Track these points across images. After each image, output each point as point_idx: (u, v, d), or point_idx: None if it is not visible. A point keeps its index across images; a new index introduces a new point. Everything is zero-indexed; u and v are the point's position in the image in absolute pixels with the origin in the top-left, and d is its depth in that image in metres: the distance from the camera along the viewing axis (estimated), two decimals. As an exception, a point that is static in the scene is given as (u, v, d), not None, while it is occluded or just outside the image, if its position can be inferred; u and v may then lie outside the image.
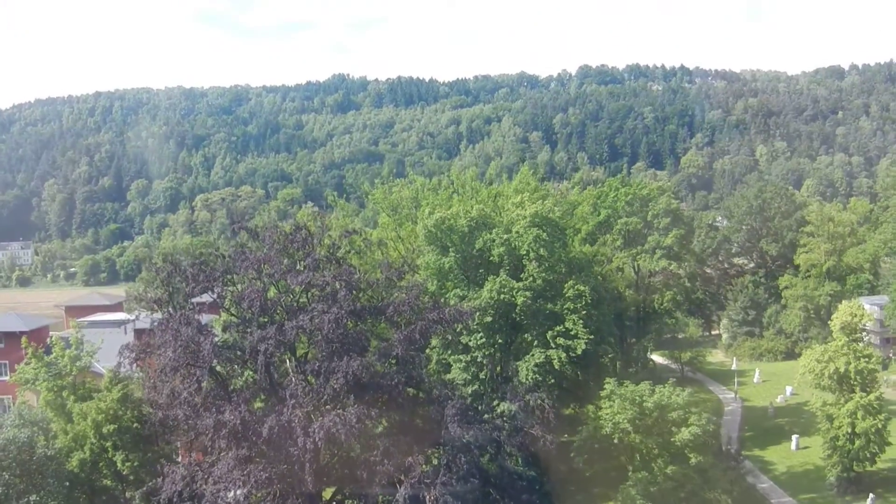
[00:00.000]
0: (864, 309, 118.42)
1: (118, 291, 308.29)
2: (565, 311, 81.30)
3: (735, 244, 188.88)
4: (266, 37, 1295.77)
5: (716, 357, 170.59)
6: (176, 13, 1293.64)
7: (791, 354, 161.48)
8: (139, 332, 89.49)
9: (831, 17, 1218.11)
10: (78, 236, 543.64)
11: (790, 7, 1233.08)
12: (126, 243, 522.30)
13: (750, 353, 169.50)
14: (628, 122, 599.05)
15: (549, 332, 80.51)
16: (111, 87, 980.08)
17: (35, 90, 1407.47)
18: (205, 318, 68.79)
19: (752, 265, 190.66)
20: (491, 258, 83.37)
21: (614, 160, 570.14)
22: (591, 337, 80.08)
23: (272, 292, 61.53)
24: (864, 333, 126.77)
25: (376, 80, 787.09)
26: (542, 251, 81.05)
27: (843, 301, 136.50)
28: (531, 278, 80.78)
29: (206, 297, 63.44)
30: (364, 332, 60.67)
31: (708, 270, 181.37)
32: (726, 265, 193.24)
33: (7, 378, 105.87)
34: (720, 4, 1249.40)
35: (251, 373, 59.97)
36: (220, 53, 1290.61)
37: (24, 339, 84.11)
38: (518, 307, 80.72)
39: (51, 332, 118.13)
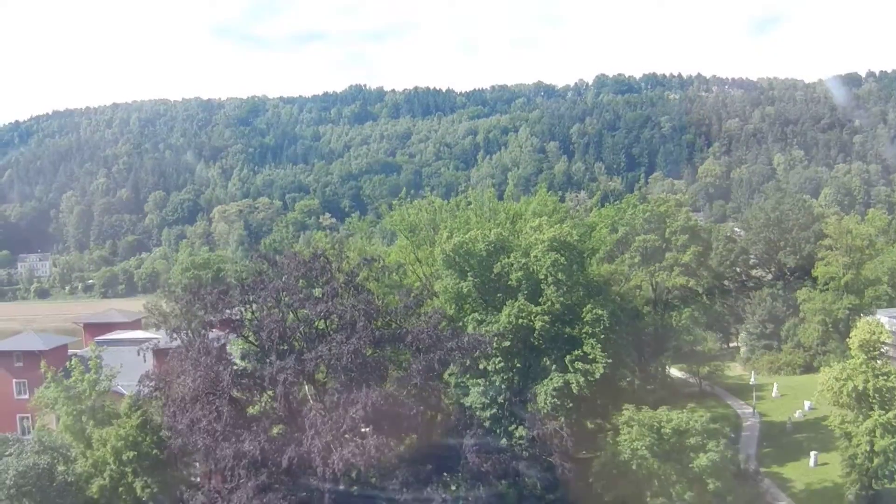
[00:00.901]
0: (883, 326, 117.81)
1: (136, 305, 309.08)
2: (583, 335, 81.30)
3: (753, 256, 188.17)
4: (281, 48, 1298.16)
5: (734, 370, 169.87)
6: (191, 25, 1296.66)
7: (809, 368, 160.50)
8: (158, 353, 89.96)
9: (848, 23, 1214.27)
10: (96, 248, 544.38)
11: (806, 14, 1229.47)
12: (144, 255, 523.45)
13: (768, 366, 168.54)
14: (645, 131, 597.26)
15: (568, 357, 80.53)
16: (128, 98, 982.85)
17: (53, 102, 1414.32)
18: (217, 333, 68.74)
19: (770, 277, 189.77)
20: (509, 282, 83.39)
21: (631, 170, 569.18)
22: (610, 361, 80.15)
23: (291, 318, 61.73)
24: (884, 347, 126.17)
25: (393, 90, 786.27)
26: (560, 275, 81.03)
27: (862, 315, 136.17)
28: (549, 302, 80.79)
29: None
30: (383, 360, 60.87)
31: (726, 283, 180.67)
32: (744, 277, 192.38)
33: (26, 397, 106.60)
34: (736, 12, 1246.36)
35: (270, 399, 60.21)
36: (236, 65, 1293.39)
37: (42, 363, 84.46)
38: (536, 331, 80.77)
39: (70, 350, 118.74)
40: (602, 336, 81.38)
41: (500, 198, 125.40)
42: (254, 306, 62.84)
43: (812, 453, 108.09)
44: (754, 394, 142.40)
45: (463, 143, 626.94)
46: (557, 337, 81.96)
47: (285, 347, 58.65)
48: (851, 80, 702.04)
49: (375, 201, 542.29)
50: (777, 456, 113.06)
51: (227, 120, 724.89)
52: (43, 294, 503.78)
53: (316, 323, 60.46)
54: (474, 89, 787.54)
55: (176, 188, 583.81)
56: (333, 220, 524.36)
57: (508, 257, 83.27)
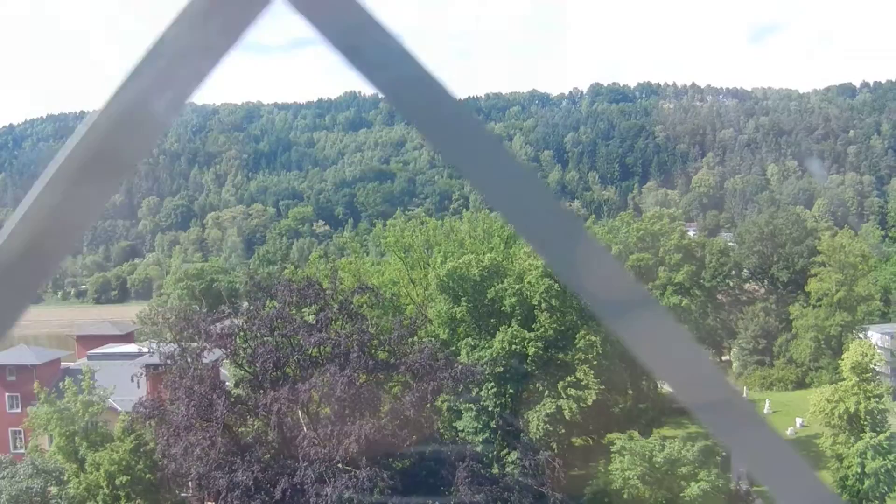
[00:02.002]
0: (874, 349, 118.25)
1: (129, 312, 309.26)
2: (576, 361, 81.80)
3: (746, 269, 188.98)
4: (276, 52, 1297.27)
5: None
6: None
7: (801, 384, 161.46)
8: (150, 367, 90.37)
9: (843, 33, 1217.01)
10: (89, 253, 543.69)
11: (801, 24, 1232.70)
12: (137, 261, 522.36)
13: (760, 382, 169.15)
14: (639, 141, 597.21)
15: (560, 383, 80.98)
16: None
17: (47, 105, 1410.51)
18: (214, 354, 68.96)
19: (762, 291, 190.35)
20: (503, 308, 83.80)
21: (625, 179, 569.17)
22: (602, 388, 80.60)
23: (285, 345, 62.00)
24: (877, 364, 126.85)
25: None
26: (554, 301, 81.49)
27: (855, 331, 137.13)
28: (543, 329, 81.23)
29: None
30: (376, 388, 61.14)
31: (719, 297, 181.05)
32: (737, 291, 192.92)
33: (18, 410, 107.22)
34: (732, 22, 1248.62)
35: (263, 425, 60.45)
36: (230, 70, 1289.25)
37: (36, 384, 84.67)
38: (529, 357, 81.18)
39: (63, 363, 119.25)
40: (595, 363, 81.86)
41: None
42: (248, 334, 63.08)
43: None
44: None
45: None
46: (550, 362, 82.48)
47: (279, 375, 58.87)
48: (846, 91, 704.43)
49: (369, 209, 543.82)
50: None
51: (221, 125, 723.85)
52: (35, 299, 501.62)
53: (310, 350, 60.72)
54: (469, 97, 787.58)
55: (170, 194, 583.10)
56: (327, 227, 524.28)
57: (502, 282, 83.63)
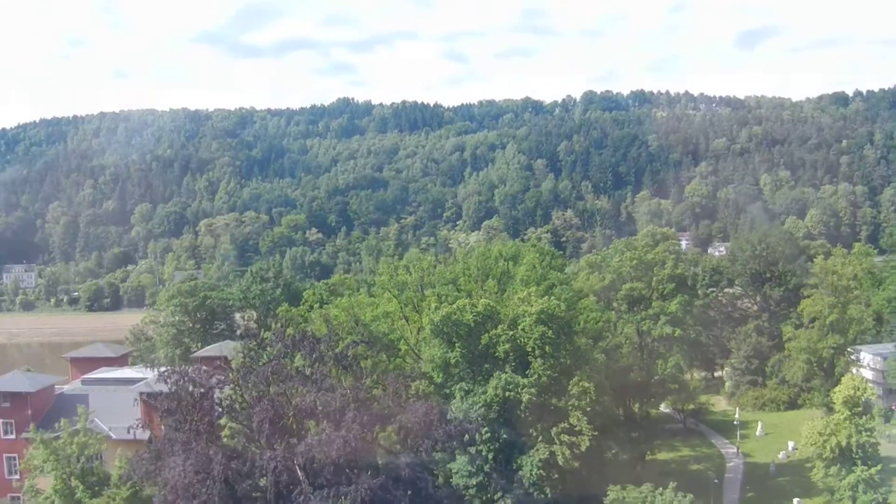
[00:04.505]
0: (867, 383, 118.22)
1: (122, 320, 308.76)
2: (570, 407, 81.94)
3: (739, 287, 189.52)
4: (269, 58, 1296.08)
5: (719, 405, 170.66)
6: (177, 34, 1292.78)
7: (793, 405, 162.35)
8: (145, 396, 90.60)
9: (836, 42, 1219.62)
10: (81, 260, 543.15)
11: (795, 32, 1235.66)
12: (130, 267, 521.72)
13: (753, 402, 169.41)
14: (632, 150, 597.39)
15: (554, 429, 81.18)
16: (116, 107, 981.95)
17: (40, 110, 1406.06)
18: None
19: (755, 308, 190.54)
20: (496, 354, 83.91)
21: (618, 188, 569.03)
22: (596, 434, 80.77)
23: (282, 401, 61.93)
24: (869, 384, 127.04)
25: (381, 104, 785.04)
26: (547, 348, 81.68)
27: (847, 353, 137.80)
28: (537, 375, 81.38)
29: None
30: (372, 444, 61.24)
31: (712, 313, 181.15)
32: (730, 308, 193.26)
33: (13, 437, 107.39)
34: (725, 29, 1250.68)
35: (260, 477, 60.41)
36: (224, 76, 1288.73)
37: (31, 427, 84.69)
38: (524, 404, 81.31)
39: (57, 388, 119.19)
40: (588, 409, 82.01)
41: (489, 215, 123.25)
42: (243, 390, 63.07)
43: (795, 500, 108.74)
44: (738, 432, 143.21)
45: (450, 159, 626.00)
46: (544, 408, 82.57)
47: (275, 432, 58.92)
48: (839, 100, 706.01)
49: (362, 217, 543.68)
50: (760, 501, 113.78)
51: (214, 131, 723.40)
52: (28, 306, 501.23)
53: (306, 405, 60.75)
54: (462, 104, 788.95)
55: (163, 200, 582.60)
56: (320, 235, 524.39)
57: (496, 329, 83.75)
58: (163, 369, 68.35)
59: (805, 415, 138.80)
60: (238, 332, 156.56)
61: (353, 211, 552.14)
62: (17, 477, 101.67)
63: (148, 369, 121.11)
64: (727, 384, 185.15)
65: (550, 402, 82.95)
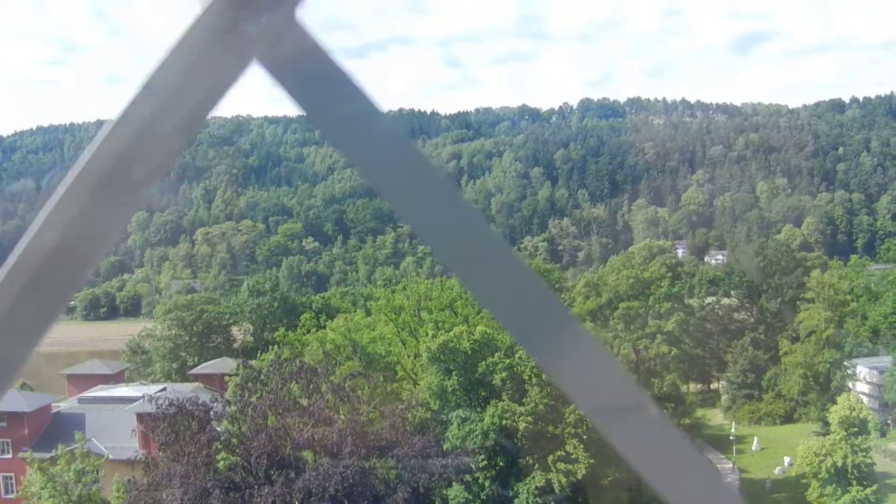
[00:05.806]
0: (862, 403, 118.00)
1: (118, 329, 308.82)
2: (566, 435, 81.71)
3: (735, 299, 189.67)
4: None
5: (715, 418, 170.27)
6: (172, 40, 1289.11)
7: (790, 419, 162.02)
8: (142, 417, 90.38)
9: (832, 48, 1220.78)
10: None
11: (791, 39, 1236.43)
12: (126, 276, 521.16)
13: (749, 416, 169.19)
14: (629, 157, 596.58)
15: (550, 457, 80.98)
16: (112, 115, 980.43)
17: (36, 117, 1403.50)
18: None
19: (752, 320, 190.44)
20: (493, 382, 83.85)
21: (615, 196, 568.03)
22: (592, 461, 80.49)
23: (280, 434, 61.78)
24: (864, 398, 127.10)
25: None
26: (544, 377, 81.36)
27: (843, 367, 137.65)
28: (533, 403, 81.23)
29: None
30: (370, 479, 60.97)
31: (708, 326, 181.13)
32: (726, 320, 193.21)
33: (10, 456, 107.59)
34: (722, 36, 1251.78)
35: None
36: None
37: (28, 452, 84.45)
38: (520, 432, 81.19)
39: (53, 406, 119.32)
40: (585, 436, 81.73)
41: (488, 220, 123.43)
42: (241, 424, 62.87)
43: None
44: (734, 447, 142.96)
45: (447, 168, 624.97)
46: (540, 436, 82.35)
47: (273, 465, 58.63)
48: (835, 107, 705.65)
49: (359, 225, 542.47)
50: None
51: (210, 139, 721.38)
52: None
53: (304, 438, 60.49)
54: (459, 112, 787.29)
55: (159, 209, 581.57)
56: (317, 243, 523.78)
57: (493, 356, 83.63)
58: (158, 394, 68.20)
59: (801, 429, 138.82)
60: (235, 346, 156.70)
61: (349, 219, 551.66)
62: (14, 496, 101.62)
63: (144, 387, 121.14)
64: (723, 398, 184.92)
65: (547, 429, 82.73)
